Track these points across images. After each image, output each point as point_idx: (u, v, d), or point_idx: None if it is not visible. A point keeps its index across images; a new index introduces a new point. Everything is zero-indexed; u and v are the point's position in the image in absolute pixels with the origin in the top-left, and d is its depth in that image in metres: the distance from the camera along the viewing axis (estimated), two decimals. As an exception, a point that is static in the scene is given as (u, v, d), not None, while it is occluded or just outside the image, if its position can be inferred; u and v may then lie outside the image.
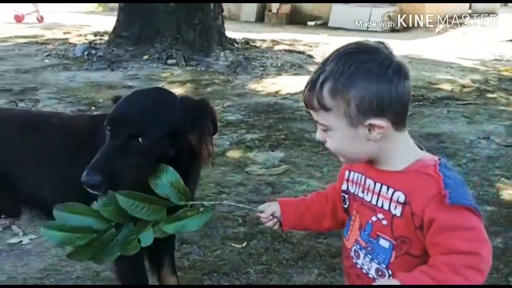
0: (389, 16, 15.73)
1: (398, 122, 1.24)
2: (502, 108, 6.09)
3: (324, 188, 3.68)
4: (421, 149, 1.32)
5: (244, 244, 2.86)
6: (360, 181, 1.35)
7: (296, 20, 17.33)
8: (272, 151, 4.41)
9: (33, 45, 9.89)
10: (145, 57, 8.62)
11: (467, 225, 1.17)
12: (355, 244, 1.35)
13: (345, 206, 1.43)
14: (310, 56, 9.50)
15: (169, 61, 8.39)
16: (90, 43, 9.70)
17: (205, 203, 1.49)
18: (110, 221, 1.46)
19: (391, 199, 1.24)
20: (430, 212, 1.16)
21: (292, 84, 7.06)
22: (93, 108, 5.56)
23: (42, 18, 14.27)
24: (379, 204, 1.27)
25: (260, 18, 17.90)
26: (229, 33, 10.48)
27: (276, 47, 10.19)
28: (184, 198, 1.46)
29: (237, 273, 2.59)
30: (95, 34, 10.85)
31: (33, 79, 7.01)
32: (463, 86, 7.29)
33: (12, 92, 6.22)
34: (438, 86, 7.28)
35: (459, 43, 12.11)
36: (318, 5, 16.93)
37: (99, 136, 1.86)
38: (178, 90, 6.62)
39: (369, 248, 1.29)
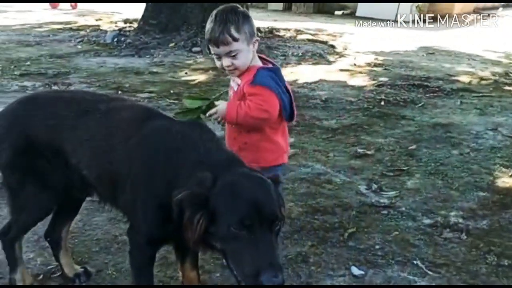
0: (418, 7, 15.63)
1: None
2: (516, 101, 6.18)
3: (328, 172, 3.92)
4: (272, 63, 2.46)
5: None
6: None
7: (324, 9, 17.39)
8: (283, 136, 4.67)
9: (67, 31, 10.36)
10: (171, 44, 8.95)
11: (252, 92, 2.26)
12: None
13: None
14: (332, 46, 9.65)
15: (194, 49, 8.70)
16: (120, 30, 10.10)
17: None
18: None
19: (236, 82, 2.39)
20: (245, 88, 2.29)
21: (310, 74, 7.29)
22: (119, 92, 5.92)
23: (76, 5, 14.79)
24: (232, 85, 2.44)
25: (288, 7, 18.01)
26: (255, 22, 10.71)
27: (300, 37, 10.37)
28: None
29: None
30: (125, 22, 11.26)
31: (66, 63, 7.44)
32: (481, 79, 7.36)
33: (47, 75, 6.65)
34: (456, 78, 7.36)
35: (488, 35, 12.00)
36: (346, -6, 16.92)
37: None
38: (200, 77, 6.95)
39: None
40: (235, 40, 2.25)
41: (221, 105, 2.35)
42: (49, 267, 2.61)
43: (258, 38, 2.38)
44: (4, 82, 6.21)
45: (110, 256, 2.74)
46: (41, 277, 2.55)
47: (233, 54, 2.29)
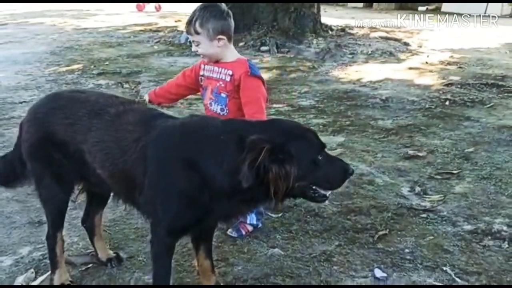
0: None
1: (230, 38, 2.68)
2: None
3: (371, 172, 3.83)
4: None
5: (280, 214, 3.19)
6: (212, 69, 2.75)
7: (407, 5, 16.74)
8: (333, 135, 4.63)
9: (147, 32, 10.97)
10: (241, 44, 9.15)
11: (256, 85, 2.64)
12: (210, 100, 2.77)
13: (201, 83, 2.84)
14: (406, 44, 9.33)
15: (262, 48, 8.84)
16: (195, 30, 10.49)
17: None
18: None
19: (225, 74, 2.68)
20: (242, 78, 2.62)
21: (376, 72, 7.12)
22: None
23: (160, 7, 15.59)
24: (220, 77, 2.70)
25: (369, 4, 17.59)
26: (331, 20, 10.61)
27: (373, 34, 10.13)
28: None
29: (266, 238, 2.95)
30: (202, 22, 11.66)
31: (140, 63, 7.90)
32: None
33: (121, 74, 7.13)
34: (542, 77, 6.81)
35: None
36: (430, -11, 16.18)
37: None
38: (263, 76, 7.04)
39: (217, 99, 2.74)
40: (197, 33, 2.63)
41: None
42: (88, 251, 2.85)
43: (224, 38, 2.63)
44: (82, 80, 6.75)
45: (144, 244, 2.92)
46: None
47: (196, 44, 2.70)
